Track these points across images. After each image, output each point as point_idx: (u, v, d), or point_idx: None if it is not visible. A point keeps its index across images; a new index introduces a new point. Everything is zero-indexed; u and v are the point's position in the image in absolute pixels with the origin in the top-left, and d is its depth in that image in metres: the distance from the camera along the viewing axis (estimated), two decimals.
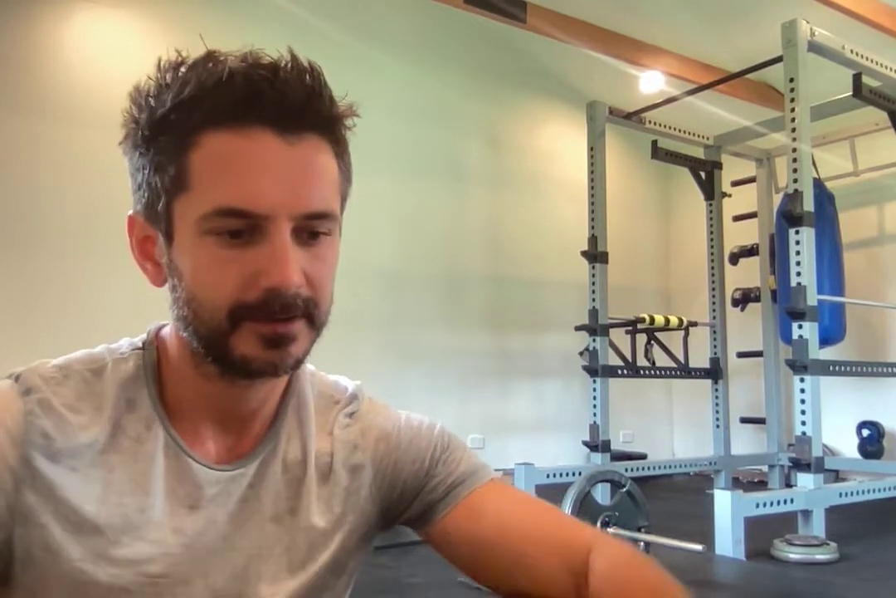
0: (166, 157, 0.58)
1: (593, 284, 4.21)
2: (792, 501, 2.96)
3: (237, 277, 0.58)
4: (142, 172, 0.61)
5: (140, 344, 0.67)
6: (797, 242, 3.13)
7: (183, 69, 0.58)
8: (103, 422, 0.62)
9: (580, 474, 3.15)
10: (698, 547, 2.20)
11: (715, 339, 4.75)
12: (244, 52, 0.58)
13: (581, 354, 4.45)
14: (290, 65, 0.57)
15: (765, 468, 4.85)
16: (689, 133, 4.72)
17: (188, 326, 0.60)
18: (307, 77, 0.58)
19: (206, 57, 0.58)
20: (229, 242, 0.57)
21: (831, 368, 3.33)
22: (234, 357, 0.60)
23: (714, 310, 4.77)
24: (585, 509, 2.26)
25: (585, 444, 4.17)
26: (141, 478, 0.62)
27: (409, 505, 0.74)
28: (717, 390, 4.70)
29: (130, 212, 0.64)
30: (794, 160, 3.19)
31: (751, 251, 4.88)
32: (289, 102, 0.57)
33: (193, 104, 0.57)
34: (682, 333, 4.43)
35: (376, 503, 0.73)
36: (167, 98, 0.57)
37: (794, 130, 3.23)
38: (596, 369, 4.14)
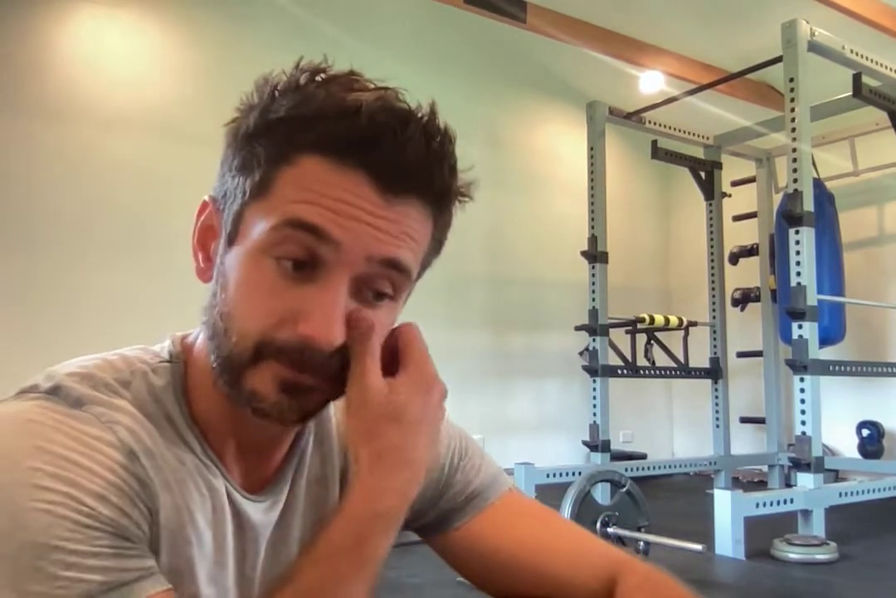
0: (258, 161, 0.54)
1: (593, 284, 4.21)
2: (792, 501, 2.96)
3: (280, 310, 0.53)
4: (229, 164, 0.57)
5: (167, 355, 0.61)
6: (797, 242, 3.13)
7: (320, 77, 0.55)
8: (151, 437, 0.56)
9: (580, 473, 3.15)
10: (698, 547, 2.20)
11: (715, 339, 4.74)
12: (384, 88, 0.55)
13: (581, 354, 4.45)
14: (424, 120, 0.54)
15: (765, 468, 4.84)
16: (689, 133, 4.72)
17: (215, 336, 0.56)
18: (435, 141, 0.54)
19: (346, 77, 0.55)
20: (287, 273, 0.53)
21: (831, 368, 3.32)
22: (244, 389, 0.55)
23: (714, 310, 4.77)
24: (585, 509, 2.26)
25: (585, 444, 4.17)
26: (191, 504, 0.57)
27: (424, 514, 0.72)
28: (717, 389, 4.70)
29: (206, 196, 0.60)
30: (794, 160, 3.19)
31: (751, 251, 4.88)
32: (403, 161, 0.53)
33: (308, 124, 0.53)
34: (682, 333, 4.43)
35: None
36: (282, 107, 0.53)
37: (794, 129, 3.23)
38: (596, 369, 4.13)
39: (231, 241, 0.56)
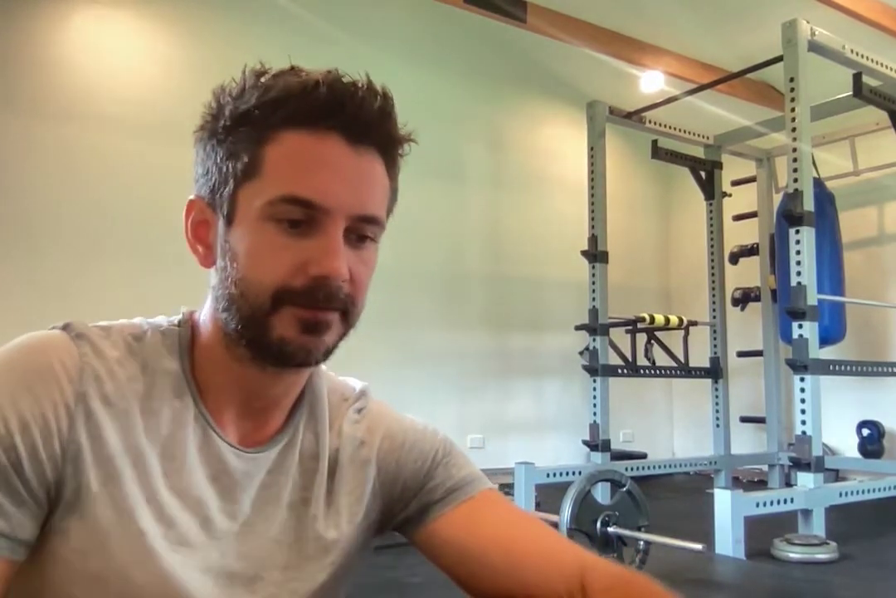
0: (242, 146, 0.63)
1: (593, 283, 4.22)
2: (792, 500, 2.96)
3: (289, 262, 0.61)
4: (213, 159, 0.65)
5: (175, 321, 0.70)
6: (797, 242, 3.13)
7: (264, 78, 0.63)
8: (144, 383, 0.64)
9: (580, 473, 3.15)
10: (698, 547, 2.20)
11: (715, 338, 4.75)
12: (326, 70, 0.63)
13: (581, 353, 4.45)
14: (366, 85, 0.63)
15: (765, 468, 4.85)
16: (690, 133, 4.72)
17: (232, 304, 0.63)
18: (380, 98, 0.63)
19: (289, 69, 0.64)
20: (287, 231, 0.62)
21: (831, 367, 3.33)
22: (270, 338, 0.62)
23: (714, 309, 4.78)
24: (585, 508, 2.26)
25: (585, 443, 4.17)
26: (171, 443, 0.64)
27: (406, 505, 0.76)
28: (717, 389, 4.70)
29: (191, 196, 0.67)
30: (795, 160, 3.19)
31: (751, 251, 4.88)
32: (364, 116, 0.63)
33: (278, 104, 0.62)
34: (682, 332, 4.43)
35: (377, 499, 0.76)
36: (252, 96, 0.62)
37: (794, 129, 3.23)
38: (596, 369, 4.14)
39: (231, 220, 0.64)
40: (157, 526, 0.61)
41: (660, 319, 4.25)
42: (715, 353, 4.73)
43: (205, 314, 0.69)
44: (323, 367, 0.77)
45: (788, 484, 4.34)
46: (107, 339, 0.65)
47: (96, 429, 0.60)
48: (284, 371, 0.67)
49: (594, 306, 4.19)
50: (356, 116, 0.62)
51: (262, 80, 0.63)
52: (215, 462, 0.66)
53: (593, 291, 4.21)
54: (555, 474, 3.78)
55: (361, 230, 0.64)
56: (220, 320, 0.65)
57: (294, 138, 0.62)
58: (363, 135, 0.63)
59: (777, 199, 4.67)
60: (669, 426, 6.00)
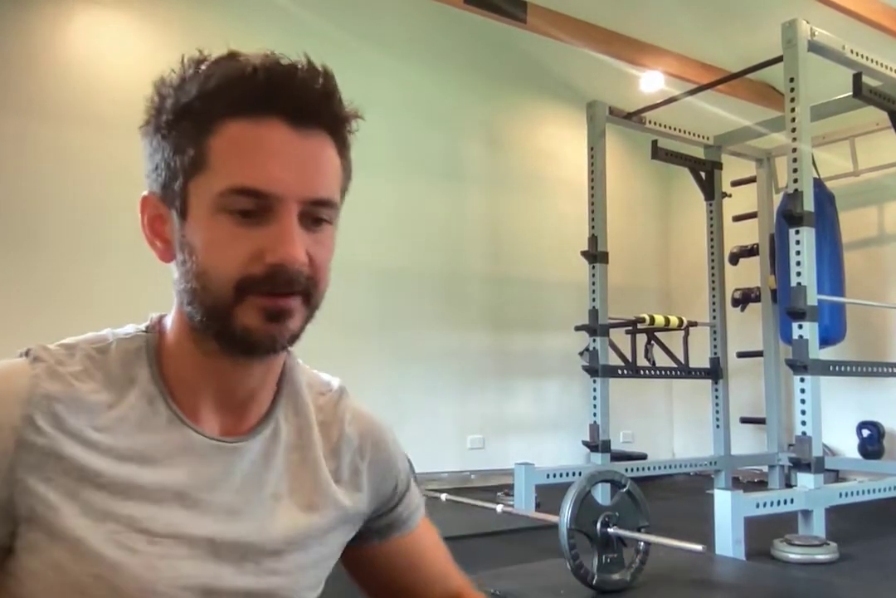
0: (187, 140, 0.62)
1: (593, 284, 4.21)
2: (792, 501, 2.96)
3: (246, 252, 0.61)
4: (161, 154, 0.64)
5: (143, 328, 0.71)
6: (797, 242, 3.13)
7: (204, 65, 0.63)
8: (109, 393, 0.65)
9: (580, 474, 3.15)
10: (698, 547, 2.19)
11: (715, 339, 4.74)
12: (264, 53, 0.63)
13: (581, 354, 4.45)
14: (306, 67, 0.62)
15: (765, 468, 4.85)
16: (689, 133, 4.72)
17: (195, 298, 0.64)
18: (321, 79, 0.63)
19: (228, 55, 0.63)
20: (241, 221, 0.61)
21: (831, 368, 3.32)
22: (235, 328, 0.63)
23: (714, 310, 4.77)
24: (585, 509, 2.26)
25: (585, 444, 4.17)
26: (144, 446, 0.64)
27: (380, 517, 0.81)
28: (717, 390, 4.70)
29: (145, 192, 0.67)
30: (795, 160, 3.19)
31: (751, 251, 4.88)
32: (304, 98, 0.62)
33: (217, 94, 0.61)
34: (682, 333, 4.43)
35: (367, 504, 0.78)
36: (192, 88, 0.62)
37: (794, 129, 3.23)
38: (596, 369, 4.13)
39: (184, 214, 0.64)
40: (131, 524, 0.62)
41: (660, 319, 4.25)
42: (715, 353, 4.73)
43: (172, 312, 0.69)
44: (300, 361, 0.78)
45: (788, 485, 4.34)
46: (70, 357, 0.65)
47: (51, 445, 0.60)
48: (254, 361, 0.67)
49: (594, 307, 4.19)
50: (297, 99, 0.62)
51: (202, 68, 0.62)
52: (195, 457, 0.66)
53: (593, 291, 4.21)
54: (555, 475, 3.78)
55: (316, 214, 0.64)
56: (185, 315, 0.66)
57: (236, 128, 0.61)
58: (307, 117, 0.63)
59: (777, 199, 4.66)
60: (669, 427, 6.00)
